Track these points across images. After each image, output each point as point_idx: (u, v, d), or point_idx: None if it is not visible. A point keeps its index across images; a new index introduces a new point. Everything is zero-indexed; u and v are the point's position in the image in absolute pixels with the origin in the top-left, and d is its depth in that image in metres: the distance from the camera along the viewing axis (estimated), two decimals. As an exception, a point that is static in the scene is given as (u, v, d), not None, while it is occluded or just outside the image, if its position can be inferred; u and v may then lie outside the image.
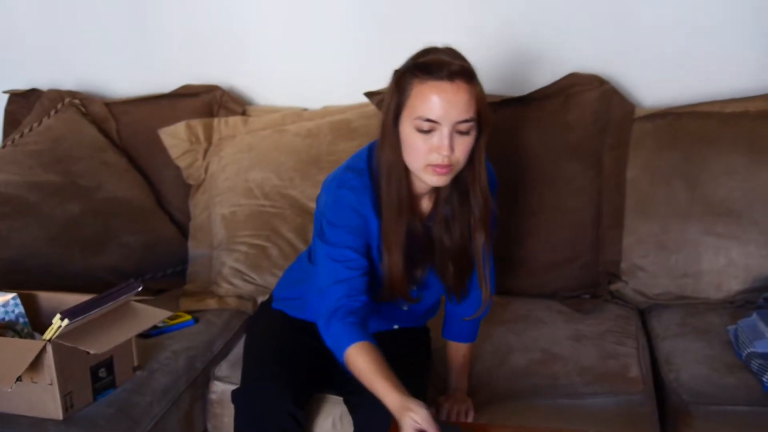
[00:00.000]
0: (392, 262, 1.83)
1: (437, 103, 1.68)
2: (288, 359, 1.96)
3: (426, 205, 1.91)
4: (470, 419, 1.96)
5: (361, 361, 1.70)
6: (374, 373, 1.68)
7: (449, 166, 1.73)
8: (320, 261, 1.86)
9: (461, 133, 1.71)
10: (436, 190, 1.87)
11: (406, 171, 1.80)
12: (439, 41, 2.60)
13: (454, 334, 2.10)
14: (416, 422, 1.57)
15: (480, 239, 1.87)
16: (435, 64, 1.70)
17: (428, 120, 1.69)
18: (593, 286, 2.55)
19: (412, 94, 1.71)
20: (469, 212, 1.86)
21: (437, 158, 1.71)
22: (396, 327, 2.09)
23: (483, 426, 1.96)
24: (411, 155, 1.75)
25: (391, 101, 1.75)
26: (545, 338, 2.31)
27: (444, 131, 1.69)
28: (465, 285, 1.96)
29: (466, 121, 1.70)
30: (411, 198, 1.85)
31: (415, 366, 2.02)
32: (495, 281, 2.06)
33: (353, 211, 1.83)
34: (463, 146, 1.72)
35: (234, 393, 1.96)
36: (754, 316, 2.17)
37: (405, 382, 1.69)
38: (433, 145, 1.71)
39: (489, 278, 1.93)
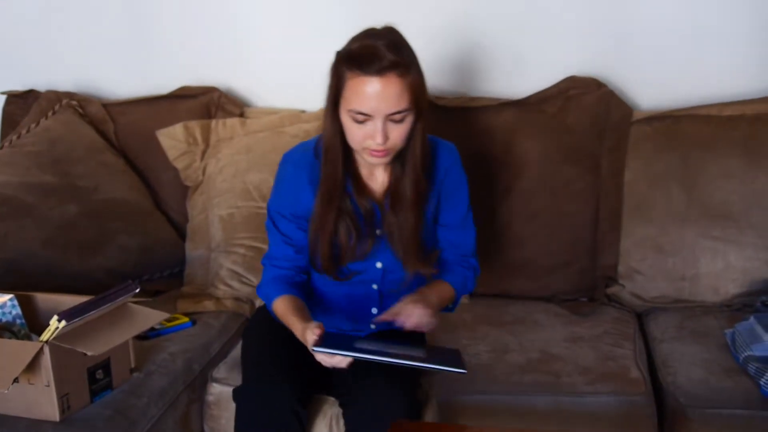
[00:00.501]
0: (319, 243, 1.93)
1: (368, 98, 1.75)
2: (287, 359, 1.96)
3: (382, 178, 1.97)
4: (423, 323, 1.88)
5: (282, 307, 1.93)
6: (289, 313, 1.90)
7: (385, 150, 1.81)
8: (269, 241, 2.04)
9: (395, 121, 1.79)
10: (390, 165, 1.93)
11: (344, 153, 1.89)
12: (438, 46, 2.62)
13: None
14: (315, 333, 1.72)
15: (410, 215, 1.93)
16: (367, 58, 1.74)
17: (361, 113, 1.77)
18: (591, 289, 2.56)
19: (346, 86, 1.78)
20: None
21: (372, 144, 1.80)
22: (374, 310, 2.08)
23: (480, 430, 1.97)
24: (350, 139, 1.84)
25: (331, 87, 1.83)
26: (542, 340, 2.31)
27: (377, 123, 1.77)
28: (418, 258, 1.98)
29: (398, 112, 1.77)
30: (356, 178, 1.94)
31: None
32: (476, 261, 2.15)
33: (291, 188, 1.97)
34: (398, 132, 1.80)
35: (235, 391, 1.95)
36: (752, 319, 2.17)
37: (393, 379, 1.80)
38: (368, 132, 1.79)
39: (423, 254, 1.98)
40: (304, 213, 1.96)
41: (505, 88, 2.75)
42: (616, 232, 2.55)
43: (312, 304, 2.05)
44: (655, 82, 2.71)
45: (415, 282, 2.03)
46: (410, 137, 1.84)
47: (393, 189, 1.94)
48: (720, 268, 2.46)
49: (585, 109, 2.59)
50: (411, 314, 1.87)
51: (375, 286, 2.05)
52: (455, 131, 2.63)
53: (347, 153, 1.90)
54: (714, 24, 2.65)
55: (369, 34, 1.81)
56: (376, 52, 1.74)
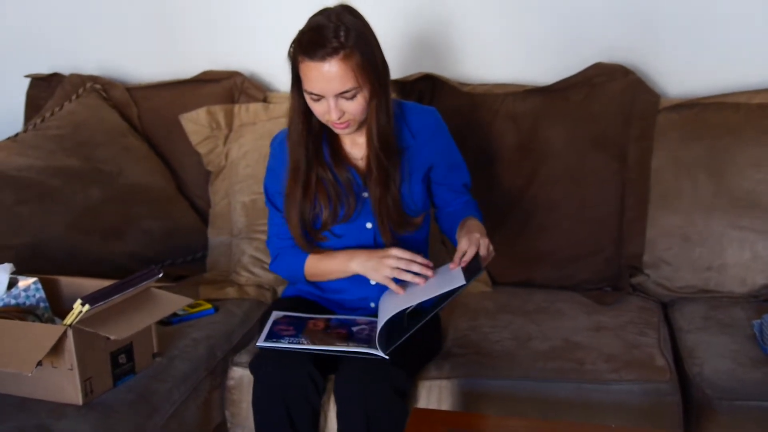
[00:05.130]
0: (290, 221, 2.06)
1: (316, 81, 1.88)
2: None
3: (364, 144, 2.06)
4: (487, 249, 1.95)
5: (314, 262, 2.09)
6: (327, 261, 2.07)
7: (345, 122, 1.94)
8: (269, 222, 2.19)
9: (347, 98, 1.91)
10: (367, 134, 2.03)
11: (308, 131, 2.01)
12: (469, 32, 2.57)
13: (453, 220, 2.16)
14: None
15: (375, 187, 2.02)
16: (312, 45, 1.86)
17: (313, 93, 1.91)
18: (615, 278, 2.54)
19: (300, 69, 1.91)
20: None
21: (331, 118, 1.93)
22: (372, 305, 2.13)
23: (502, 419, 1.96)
24: (315, 114, 1.97)
25: (291, 69, 1.95)
26: (565, 328, 2.29)
27: (330, 102, 1.90)
28: (395, 220, 2.05)
29: (346, 91, 1.89)
30: (336, 148, 2.06)
31: (415, 348, 2.02)
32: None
33: (276, 166, 2.11)
34: (353, 107, 1.92)
35: (252, 363, 1.98)
36: (780, 310, 2.15)
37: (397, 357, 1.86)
38: (325, 109, 1.92)
39: (402, 216, 2.06)
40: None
41: (530, 74, 2.73)
42: (642, 221, 2.52)
43: (311, 293, 2.18)
44: (682, 70, 2.68)
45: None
46: (369, 110, 1.95)
47: (369, 157, 2.05)
48: (747, 259, 2.43)
49: (611, 97, 2.56)
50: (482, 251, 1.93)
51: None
52: (480, 118, 2.62)
53: (323, 127, 2.02)
54: (743, 10, 2.61)
55: (320, 16, 1.91)
56: (321, 38, 1.86)
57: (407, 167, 2.07)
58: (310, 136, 2.03)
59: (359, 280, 2.11)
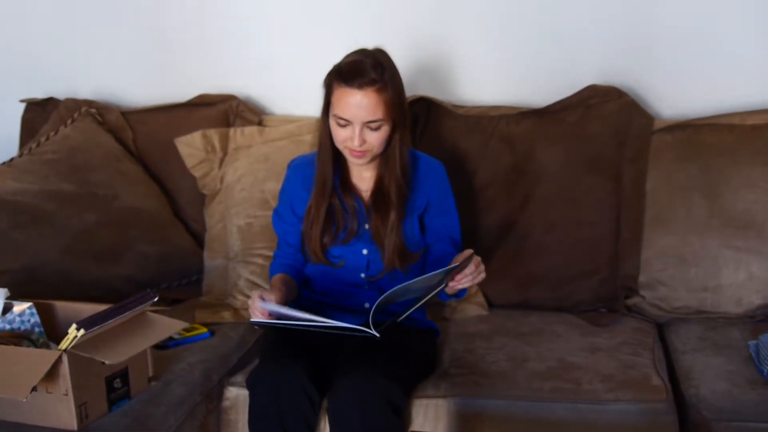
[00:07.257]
0: (311, 233, 2.18)
1: (348, 107, 2.03)
2: (302, 347, 2.04)
3: (370, 180, 2.20)
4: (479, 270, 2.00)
5: (273, 281, 2.22)
6: (274, 283, 2.19)
7: (363, 151, 2.08)
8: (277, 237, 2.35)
9: (372, 129, 2.05)
10: (376, 169, 2.18)
11: (333, 155, 2.15)
12: (463, 54, 2.62)
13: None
14: (263, 298, 1.99)
15: (390, 214, 2.14)
16: (351, 74, 2.03)
17: (342, 118, 2.05)
18: (611, 300, 2.53)
19: (333, 95, 2.07)
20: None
21: (352, 144, 2.07)
22: (366, 305, 2.18)
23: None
24: (335, 139, 2.11)
25: (324, 95, 2.11)
26: (560, 349, 2.29)
27: (356, 128, 2.04)
28: (396, 254, 2.16)
29: (373, 121, 2.04)
30: (345, 178, 2.20)
31: (410, 366, 2.06)
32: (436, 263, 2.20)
33: (288, 189, 2.28)
34: (375, 137, 2.07)
35: (248, 379, 2.00)
36: (776, 331, 2.15)
37: (375, 366, 1.92)
38: (348, 135, 2.07)
39: (402, 251, 2.16)
40: (298, 212, 2.24)
41: (524, 96, 2.74)
42: (637, 242, 2.52)
43: (309, 298, 2.26)
44: (676, 91, 2.69)
45: (398, 273, 2.18)
46: (388, 145, 2.11)
47: (376, 190, 2.18)
48: (743, 279, 2.44)
49: (606, 118, 2.58)
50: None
51: (363, 275, 2.20)
52: (475, 140, 2.63)
53: (338, 156, 2.16)
54: (736, 32, 2.63)
55: (359, 53, 2.08)
56: (360, 69, 2.02)
57: (410, 206, 2.19)
58: (338, 165, 2.18)
59: (353, 283, 2.21)
